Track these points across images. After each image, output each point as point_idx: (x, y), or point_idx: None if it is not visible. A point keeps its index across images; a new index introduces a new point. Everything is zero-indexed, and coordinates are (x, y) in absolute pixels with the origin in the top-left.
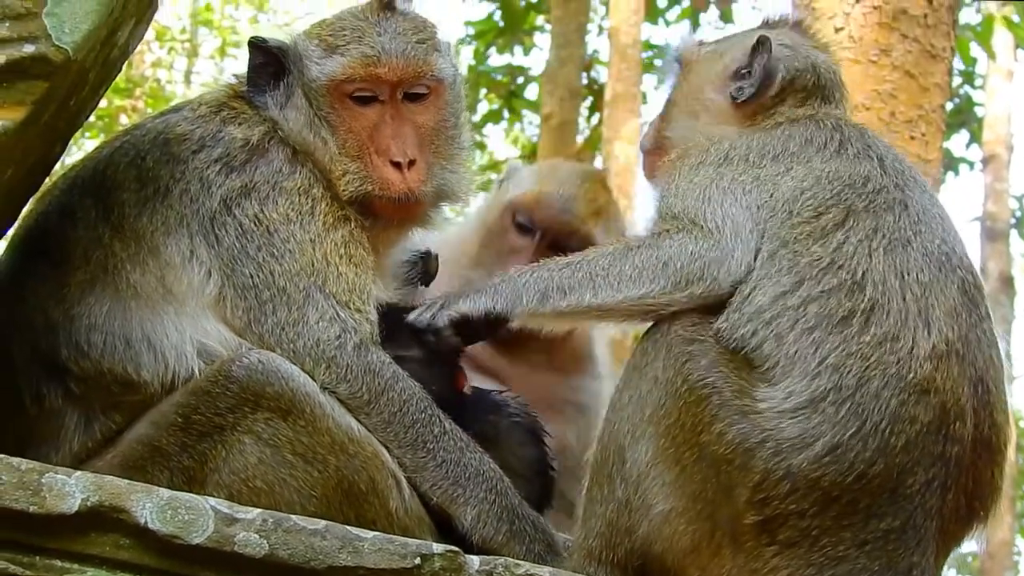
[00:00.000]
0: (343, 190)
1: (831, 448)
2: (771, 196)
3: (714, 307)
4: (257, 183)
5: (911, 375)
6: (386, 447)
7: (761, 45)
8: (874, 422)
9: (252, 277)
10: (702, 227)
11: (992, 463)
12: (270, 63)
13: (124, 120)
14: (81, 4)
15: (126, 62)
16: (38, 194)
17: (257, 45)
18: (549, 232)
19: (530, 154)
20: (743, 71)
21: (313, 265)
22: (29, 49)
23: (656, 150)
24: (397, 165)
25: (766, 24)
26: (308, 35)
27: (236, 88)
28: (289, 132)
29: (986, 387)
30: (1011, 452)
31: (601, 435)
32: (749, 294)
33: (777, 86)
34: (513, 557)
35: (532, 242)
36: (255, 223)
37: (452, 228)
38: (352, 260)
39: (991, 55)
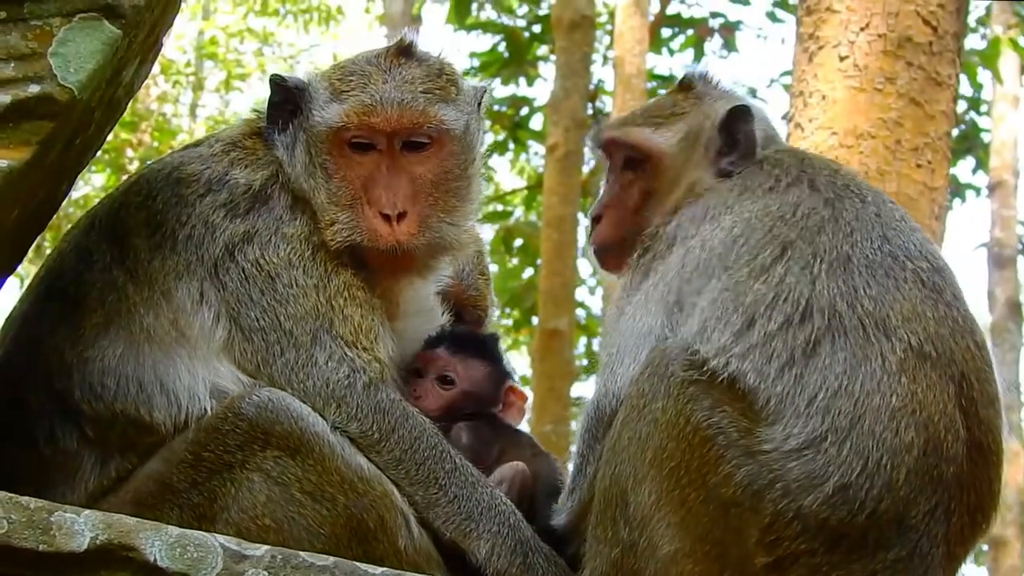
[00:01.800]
0: (331, 239)
1: (840, 488)
2: (699, 263)
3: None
4: (259, 229)
5: (894, 399)
6: (397, 484)
7: (737, 117)
8: (875, 459)
9: (258, 320)
10: (603, 370)
11: (988, 467)
12: (288, 101)
13: (129, 153)
14: (86, 44)
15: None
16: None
17: (277, 82)
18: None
19: (535, 185)
20: (724, 148)
21: (318, 309)
22: (34, 89)
23: (626, 243)
24: (387, 217)
25: (686, 86)
26: (322, 77)
27: (253, 124)
28: (291, 175)
29: (969, 382)
30: (1005, 446)
31: (603, 477)
32: (708, 334)
33: (760, 146)
34: None
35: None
36: (257, 268)
37: None
38: (356, 301)
39: (998, 79)
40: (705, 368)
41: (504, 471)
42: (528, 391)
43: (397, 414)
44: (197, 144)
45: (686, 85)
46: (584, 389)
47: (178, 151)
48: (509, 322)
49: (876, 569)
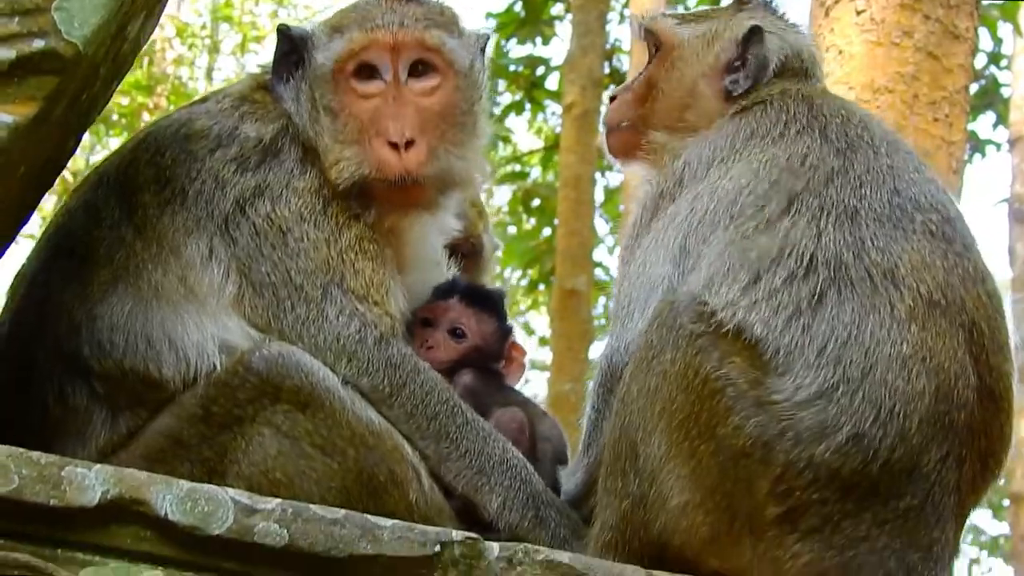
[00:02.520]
0: (336, 178)
1: (853, 438)
2: (706, 211)
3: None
4: (270, 183)
5: (904, 347)
6: (409, 439)
7: (754, 35)
8: (888, 408)
9: (268, 275)
10: (615, 320)
11: (999, 413)
12: (294, 51)
13: (146, 117)
14: None
15: (137, 57)
16: (57, 187)
17: (282, 32)
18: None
19: (553, 145)
20: (735, 63)
21: (328, 263)
22: (39, 44)
23: (631, 128)
24: (394, 146)
25: (738, 4)
26: (323, 23)
27: (261, 78)
28: (300, 126)
29: (980, 329)
30: (1016, 393)
31: (612, 429)
32: (715, 288)
33: (770, 75)
34: (539, 543)
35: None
36: (268, 223)
37: None
38: (368, 255)
39: (1019, 31)
40: (713, 320)
41: (500, 416)
42: (547, 351)
43: (408, 368)
44: (205, 100)
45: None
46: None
47: (185, 106)
48: (526, 282)
49: (888, 518)
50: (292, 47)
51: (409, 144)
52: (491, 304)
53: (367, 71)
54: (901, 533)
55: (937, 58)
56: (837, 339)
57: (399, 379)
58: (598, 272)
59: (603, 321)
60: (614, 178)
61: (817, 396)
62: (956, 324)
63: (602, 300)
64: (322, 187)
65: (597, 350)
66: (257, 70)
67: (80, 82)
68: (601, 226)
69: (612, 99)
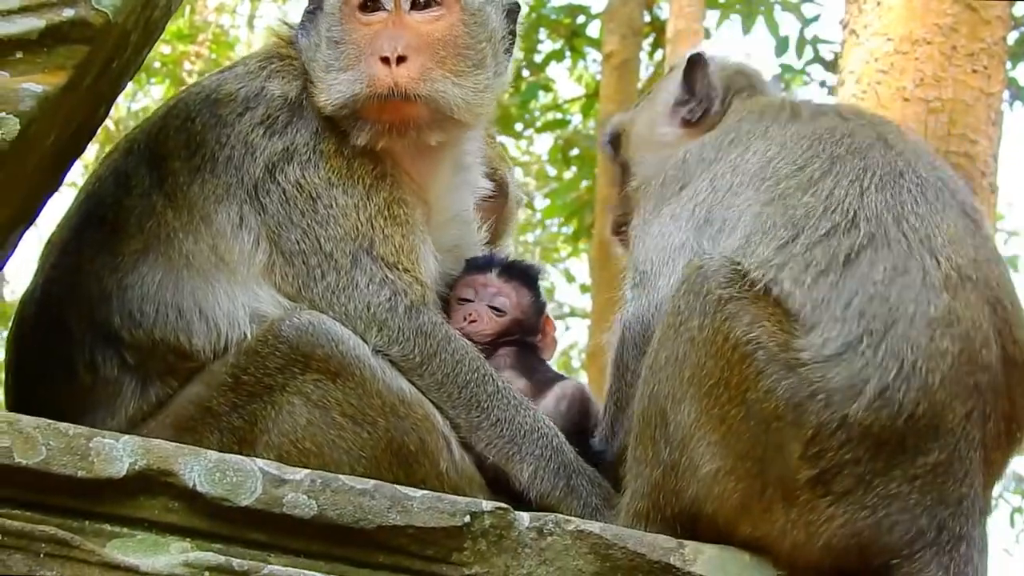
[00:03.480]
0: (327, 101)
1: (880, 392)
2: (731, 185)
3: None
4: (297, 146)
5: (932, 310)
6: (439, 408)
7: (694, 64)
8: (910, 361)
9: (299, 243)
10: (639, 285)
11: (1022, 382)
12: (315, 2)
13: (188, 66)
14: None
15: (170, 19)
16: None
17: None
18: None
19: (593, 93)
20: (684, 98)
21: (358, 229)
22: (68, 13)
23: (621, 229)
24: (385, 61)
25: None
26: None
27: (286, 35)
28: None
29: (1004, 306)
30: None
31: (641, 397)
32: (753, 248)
33: (721, 92)
34: (571, 512)
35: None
36: (298, 189)
37: None
38: (397, 220)
39: None
40: (745, 281)
41: (565, 387)
42: (587, 298)
43: (440, 337)
44: (233, 66)
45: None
46: None
47: (216, 72)
48: (568, 230)
49: (917, 474)
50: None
51: (401, 60)
52: (530, 279)
53: (372, 4)
54: (931, 489)
55: (975, 9)
56: (864, 294)
57: (430, 348)
58: None
59: None
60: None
61: (843, 349)
62: (984, 299)
63: None
64: (345, 143)
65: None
66: (282, 27)
67: (110, 50)
68: None
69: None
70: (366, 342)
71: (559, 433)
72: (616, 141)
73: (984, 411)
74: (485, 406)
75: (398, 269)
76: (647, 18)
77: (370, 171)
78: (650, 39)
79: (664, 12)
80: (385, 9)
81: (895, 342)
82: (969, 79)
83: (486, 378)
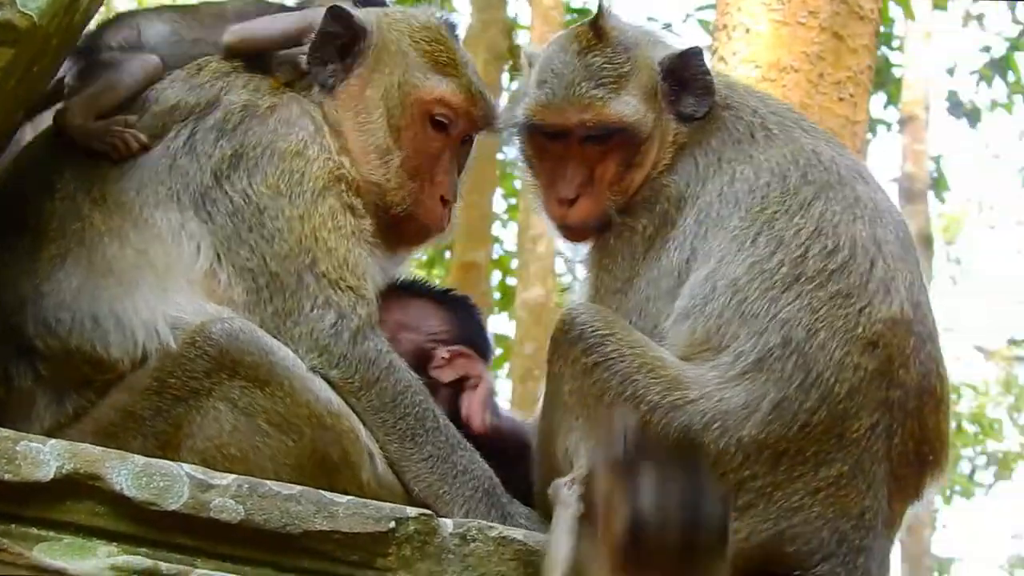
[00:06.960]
0: (398, 203)
1: (775, 405)
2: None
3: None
4: (247, 148)
5: (859, 330)
6: (372, 433)
7: (690, 58)
8: (818, 371)
9: (248, 261)
10: None
11: (937, 410)
12: (347, 34)
13: None
14: None
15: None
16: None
17: (338, 16)
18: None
19: None
20: (674, 89)
21: (301, 243)
22: None
23: (603, 218)
24: (445, 202)
25: (599, 33)
26: (405, 32)
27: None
28: (334, 112)
29: (935, 344)
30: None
31: (538, 429)
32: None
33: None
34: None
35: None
36: (245, 200)
37: None
38: (342, 232)
39: (909, 15)
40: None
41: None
42: None
43: (383, 366)
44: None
45: (599, 31)
46: (498, 323)
47: None
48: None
49: (819, 486)
50: (348, 31)
51: (445, 202)
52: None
53: (444, 122)
54: (833, 502)
55: (842, 38)
56: (797, 305)
57: (372, 375)
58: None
59: (498, 295)
60: (511, 152)
61: (752, 366)
62: (912, 333)
63: (496, 275)
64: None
65: (494, 323)
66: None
67: (33, 54)
68: (498, 203)
69: (571, 201)
70: (305, 363)
71: (494, 476)
72: (608, 133)
73: (891, 425)
74: (420, 440)
75: (341, 288)
76: (508, 45)
77: (323, 176)
78: (510, 63)
79: (524, 39)
80: (449, 133)
81: (811, 351)
82: (835, 107)
83: (426, 412)
